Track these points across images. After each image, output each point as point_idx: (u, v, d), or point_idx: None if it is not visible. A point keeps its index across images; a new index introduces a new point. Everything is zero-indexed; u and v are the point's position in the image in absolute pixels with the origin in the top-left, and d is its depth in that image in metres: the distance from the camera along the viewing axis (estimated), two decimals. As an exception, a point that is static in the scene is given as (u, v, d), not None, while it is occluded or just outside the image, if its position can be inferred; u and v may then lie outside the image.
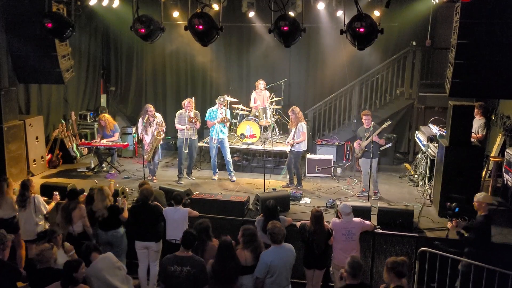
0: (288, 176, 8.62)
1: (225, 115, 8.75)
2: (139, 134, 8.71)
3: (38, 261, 4.64)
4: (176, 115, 8.76)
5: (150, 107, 8.64)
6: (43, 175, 9.05)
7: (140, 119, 8.82)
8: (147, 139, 8.59)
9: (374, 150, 7.67)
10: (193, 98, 8.82)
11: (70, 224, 5.96)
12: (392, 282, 4.23)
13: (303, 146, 8.37)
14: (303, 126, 8.27)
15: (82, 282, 4.43)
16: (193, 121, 8.53)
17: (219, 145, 8.86)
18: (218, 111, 8.74)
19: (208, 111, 8.89)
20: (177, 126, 8.73)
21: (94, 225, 6.12)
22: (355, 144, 8.09)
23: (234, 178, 8.91)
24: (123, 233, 6.16)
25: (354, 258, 4.34)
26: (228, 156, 8.86)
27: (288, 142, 8.44)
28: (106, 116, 9.47)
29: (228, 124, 8.85)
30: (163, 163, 10.15)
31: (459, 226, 5.71)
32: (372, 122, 7.78)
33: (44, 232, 6.48)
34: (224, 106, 8.87)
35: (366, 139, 7.77)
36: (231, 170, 8.92)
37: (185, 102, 8.66)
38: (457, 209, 5.92)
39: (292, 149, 8.31)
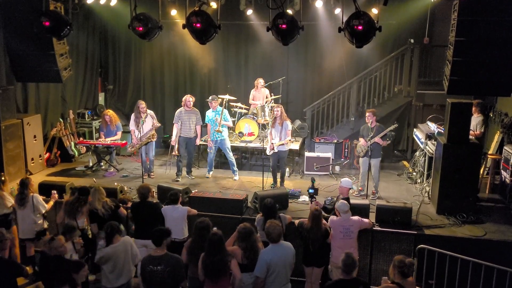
0: (273, 177, 8.44)
1: (221, 119, 8.64)
2: (131, 129, 8.88)
3: (49, 250, 4.86)
4: (176, 114, 8.72)
5: (142, 104, 8.75)
6: (41, 174, 9.02)
7: (133, 114, 8.88)
8: (137, 134, 8.64)
9: (377, 149, 7.69)
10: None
11: (74, 219, 5.97)
12: (395, 279, 4.34)
13: (287, 146, 8.27)
14: (288, 124, 8.18)
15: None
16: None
17: (218, 146, 8.86)
18: (214, 114, 8.70)
19: (206, 115, 8.84)
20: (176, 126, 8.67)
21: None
22: (362, 142, 7.87)
23: (236, 178, 8.89)
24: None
25: (348, 254, 4.36)
26: (230, 156, 8.86)
27: (272, 144, 8.12)
28: (111, 112, 9.42)
29: (222, 128, 8.68)
30: (161, 161, 10.13)
31: (319, 206, 6.23)
32: (377, 123, 7.75)
33: (43, 231, 6.51)
34: (221, 106, 8.85)
35: (371, 139, 7.68)
36: (235, 169, 8.91)
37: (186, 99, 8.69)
38: (311, 190, 6.64)
39: (280, 149, 8.12)
